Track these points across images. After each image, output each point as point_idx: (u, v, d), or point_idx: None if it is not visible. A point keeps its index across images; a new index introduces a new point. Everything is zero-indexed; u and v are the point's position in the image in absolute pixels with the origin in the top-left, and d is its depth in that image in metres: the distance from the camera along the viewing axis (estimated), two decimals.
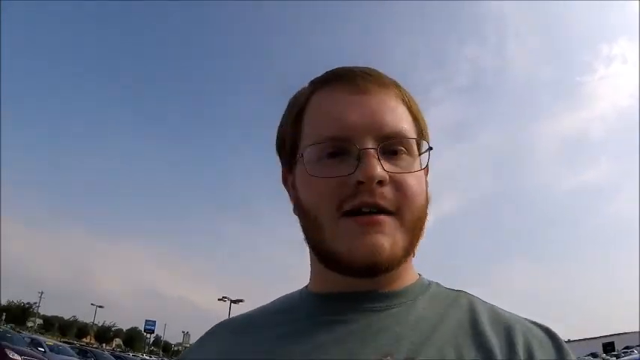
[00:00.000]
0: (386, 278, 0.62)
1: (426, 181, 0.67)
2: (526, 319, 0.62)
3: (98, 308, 63.63)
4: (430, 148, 0.66)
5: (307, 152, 0.63)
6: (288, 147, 0.69)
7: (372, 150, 0.60)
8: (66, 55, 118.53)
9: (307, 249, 0.67)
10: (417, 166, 0.63)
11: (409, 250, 0.61)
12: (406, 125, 0.64)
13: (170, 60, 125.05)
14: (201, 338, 0.72)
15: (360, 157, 0.59)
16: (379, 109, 0.63)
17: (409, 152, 0.63)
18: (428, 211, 0.65)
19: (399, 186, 0.60)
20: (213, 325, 0.73)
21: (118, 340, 78.99)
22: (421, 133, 0.67)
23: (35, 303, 65.25)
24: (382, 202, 0.59)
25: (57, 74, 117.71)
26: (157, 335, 71.26)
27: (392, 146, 0.62)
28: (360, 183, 0.58)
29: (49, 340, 19.31)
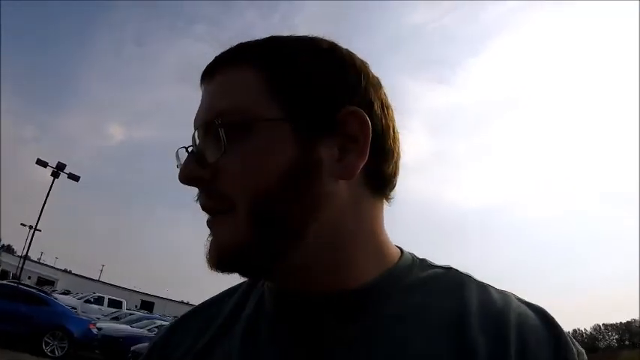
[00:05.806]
0: (344, 272, 0.50)
1: (295, 156, 0.48)
2: (520, 300, 0.53)
3: None
4: (268, 120, 0.48)
5: None
6: None
7: (182, 149, 0.52)
8: None
9: None
10: (248, 149, 0.48)
11: (259, 241, 0.47)
12: (239, 99, 0.49)
13: None
14: (171, 329, 0.62)
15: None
16: (208, 97, 0.52)
17: (241, 135, 0.48)
18: (293, 193, 0.47)
19: (220, 179, 0.48)
20: (180, 316, 0.65)
21: None
22: (294, 104, 0.49)
23: None
24: (207, 205, 0.50)
25: None
26: None
27: (209, 133, 0.49)
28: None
29: None
